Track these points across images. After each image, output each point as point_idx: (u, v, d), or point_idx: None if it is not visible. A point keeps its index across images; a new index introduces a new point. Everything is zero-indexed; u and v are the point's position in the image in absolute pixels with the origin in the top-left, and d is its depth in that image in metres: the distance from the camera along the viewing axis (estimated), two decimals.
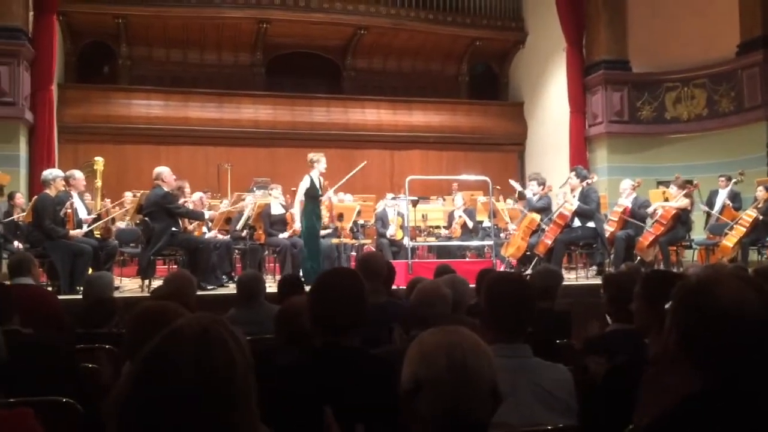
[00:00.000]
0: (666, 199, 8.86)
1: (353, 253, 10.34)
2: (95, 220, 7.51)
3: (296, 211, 8.39)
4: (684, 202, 8.52)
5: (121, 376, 2.41)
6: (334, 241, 9.06)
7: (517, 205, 9.89)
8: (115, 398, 1.08)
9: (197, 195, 8.84)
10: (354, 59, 15.45)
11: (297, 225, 8.32)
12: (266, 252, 9.10)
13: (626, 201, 8.73)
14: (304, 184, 7.87)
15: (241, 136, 13.73)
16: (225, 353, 1.10)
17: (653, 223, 8.51)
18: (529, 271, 7.81)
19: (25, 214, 8.01)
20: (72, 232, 6.86)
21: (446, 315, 2.96)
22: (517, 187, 9.70)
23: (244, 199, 9.21)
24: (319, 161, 7.93)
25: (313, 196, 7.78)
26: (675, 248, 8.66)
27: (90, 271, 6.67)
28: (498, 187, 10.67)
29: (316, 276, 2.43)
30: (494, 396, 1.41)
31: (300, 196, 7.99)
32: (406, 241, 8.89)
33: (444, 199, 12.21)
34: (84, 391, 2.51)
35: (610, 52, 12.63)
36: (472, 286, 4.06)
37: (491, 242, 8.71)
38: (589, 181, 8.38)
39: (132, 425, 1.05)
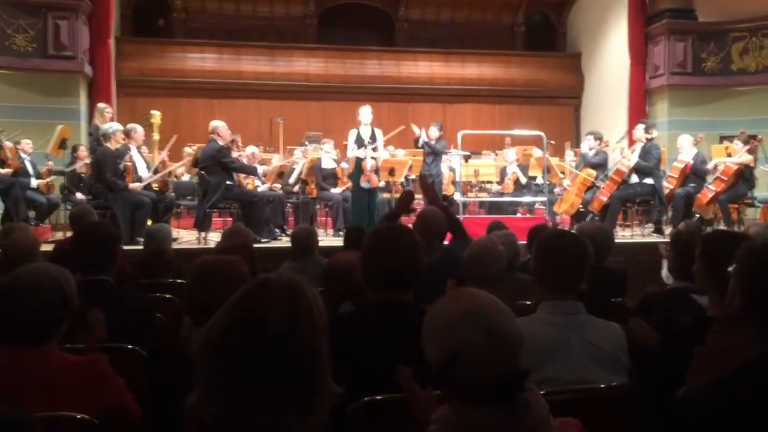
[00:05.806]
0: (729, 155, 8.52)
1: None
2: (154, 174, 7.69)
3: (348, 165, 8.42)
4: (747, 158, 8.18)
5: (183, 325, 2.49)
6: (386, 195, 9.07)
7: (572, 159, 9.66)
8: (206, 344, 1.12)
9: (250, 149, 8.96)
10: (407, 10, 15.16)
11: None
12: (318, 206, 9.20)
13: (687, 157, 8.44)
14: (350, 138, 7.97)
15: (293, 89, 13.73)
16: (308, 307, 1.15)
17: (714, 179, 8.23)
18: None
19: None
20: (132, 185, 7.06)
21: (501, 271, 2.93)
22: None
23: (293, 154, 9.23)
24: (359, 113, 7.92)
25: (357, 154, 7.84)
26: (736, 206, 8.37)
27: (149, 222, 6.88)
28: (553, 142, 10.44)
29: (370, 232, 2.42)
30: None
31: (349, 152, 8.07)
32: (458, 197, 8.84)
33: (496, 154, 12.03)
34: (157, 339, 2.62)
35: None
36: (523, 242, 4.02)
37: (544, 198, 8.56)
38: (649, 136, 8.12)
39: (224, 370, 1.09)
